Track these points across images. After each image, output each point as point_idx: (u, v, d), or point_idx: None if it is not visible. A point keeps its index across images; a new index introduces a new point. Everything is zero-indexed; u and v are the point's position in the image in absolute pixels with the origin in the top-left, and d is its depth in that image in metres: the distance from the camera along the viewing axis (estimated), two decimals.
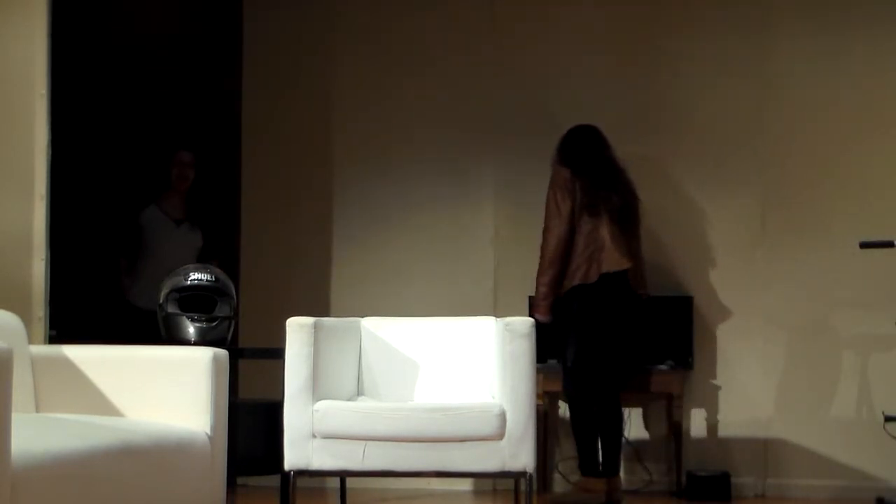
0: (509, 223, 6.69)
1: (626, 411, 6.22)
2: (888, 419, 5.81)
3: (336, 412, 4.35)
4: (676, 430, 6.23)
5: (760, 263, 6.46)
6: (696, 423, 6.41)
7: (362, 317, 5.08)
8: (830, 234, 6.36)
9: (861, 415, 6.27)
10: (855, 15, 6.43)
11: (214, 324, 5.00)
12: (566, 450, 6.52)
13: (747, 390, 6.41)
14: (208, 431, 3.81)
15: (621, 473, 6.00)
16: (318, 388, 4.40)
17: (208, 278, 5.04)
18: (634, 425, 6.43)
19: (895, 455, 6.03)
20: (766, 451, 6.36)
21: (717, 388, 6.44)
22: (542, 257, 5.78)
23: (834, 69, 6.44)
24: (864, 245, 5.73)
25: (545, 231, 5.79)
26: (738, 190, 6.47)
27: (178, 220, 6.70)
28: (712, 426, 6.43)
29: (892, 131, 6.38)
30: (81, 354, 3.93)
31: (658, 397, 6.37)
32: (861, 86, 6.41)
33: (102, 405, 3.85)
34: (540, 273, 5.78)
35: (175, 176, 6.71)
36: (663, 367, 6.24)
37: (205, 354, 3.87)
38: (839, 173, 6.41)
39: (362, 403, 4.52)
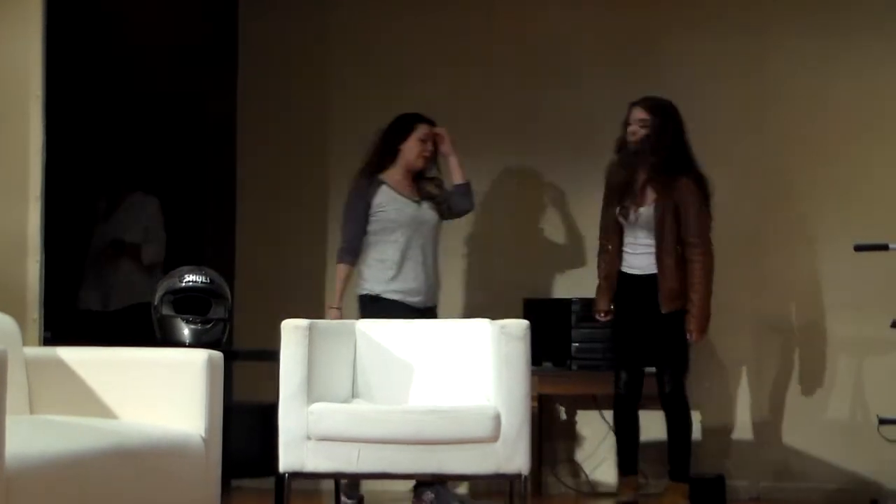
0: (507, 224, 6.69)
1: None
2: (882, 422, 5.81)
3: (331, 414, 4.35)
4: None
5: (755, 266, 6.46)
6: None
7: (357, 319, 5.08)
8: (825, 236, 6.36)
9: (856, 417, 6.28)
10: (853, 16, 6.43)
11: (209, 326, 5.00)
12: (561, 452, 6.51)
13: (742, 393, 6.41)
14: (203, 434, 3.81)
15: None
16: (312, 391, 4.40)
17: (203, 280, 5.04)
18: None
19: (890, 458, 6.03)
20: (760, 454, 6.36)
21: (712, 390, 6.44)
22: (704, 277, 5.58)
23: (831, 71, 6.44)
24: (859, 248, 5.73)
25: (704, 250, 5.60)
26: (734, 192, 6.46)
27: (417, 199, 5.81)
28: (707, 429, 6.43)
29: (889, 134, 6.38)
30: (76, 356, 3.93)
31: (653, 400, 6.35)
32: (858, 88, 6.41)
33: (97, 407, 3.85)
34: (707, 293, 5.59)
35: (417, 152, 5.78)
36: None
37: (199, 356, 3.87)
38: (834, 176, 6.41)
39: (357, 406, 4.52)
